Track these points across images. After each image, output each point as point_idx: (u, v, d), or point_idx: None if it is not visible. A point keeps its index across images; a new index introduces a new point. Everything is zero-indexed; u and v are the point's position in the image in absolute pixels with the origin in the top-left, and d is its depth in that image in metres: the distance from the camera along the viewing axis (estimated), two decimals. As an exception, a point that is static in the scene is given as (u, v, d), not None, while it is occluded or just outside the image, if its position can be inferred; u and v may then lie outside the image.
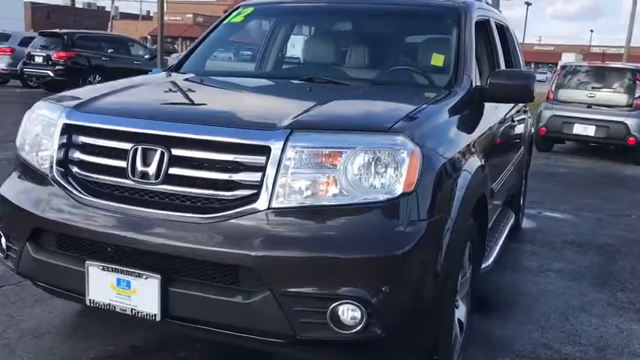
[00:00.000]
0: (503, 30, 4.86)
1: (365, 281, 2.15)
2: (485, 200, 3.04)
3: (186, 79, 3.37)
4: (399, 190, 2.22)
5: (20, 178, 2.69)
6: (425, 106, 2.66)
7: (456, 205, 2.46)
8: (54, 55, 17.16)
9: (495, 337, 3.39)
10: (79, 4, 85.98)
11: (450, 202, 2.43)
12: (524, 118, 5.12)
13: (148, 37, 41.70)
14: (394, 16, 3.70)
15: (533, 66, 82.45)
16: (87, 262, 2.35)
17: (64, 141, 2.52)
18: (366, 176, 2.23)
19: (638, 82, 10.53)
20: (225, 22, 4.02)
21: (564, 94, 11.14)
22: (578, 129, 10.75)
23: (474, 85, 3.24)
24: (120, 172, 2.37)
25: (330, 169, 2.22)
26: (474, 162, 2.83)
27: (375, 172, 2.23)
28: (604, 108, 10.65)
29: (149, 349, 3.01)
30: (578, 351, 3.29)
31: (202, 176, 2.28)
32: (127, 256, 2.33)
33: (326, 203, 2.20)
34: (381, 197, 2.21)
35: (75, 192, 2.42)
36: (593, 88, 10.90)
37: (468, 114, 3.07)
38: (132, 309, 2.30)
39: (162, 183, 2.31)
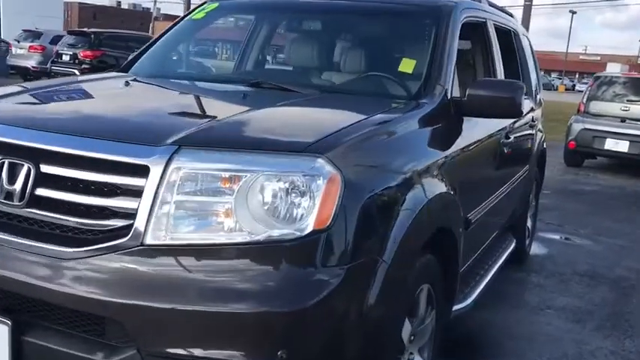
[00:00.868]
0: (508, 35, 4.34)
1: (257, 344, 1.70)
2: (452, 233, 2.55)
3: (112, 82, 2.96)
4: (309, 226, 1.76)
5: None
6: (368, 120, 2.20)
7: (394, 243, 1.98)
8: (80, 54, 17.21)
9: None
10: (124, 6, 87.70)
11: (383, 241, 1.95)
12: (532, 133, 4.58)
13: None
14: (363, 15, 3.21)
15: (577, 76, 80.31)
16: None
17: None
18: (270, 208, 1.78)
19: (677, 95, 9.77)
20: (186, 18, 3.62)
21: (596, 106, 10.41)
22: (610, 144, 10.00)
23: (448, 97, 2.75)
24: None
25: (225, 197, 1.78)
26: (433, 188, 2.35)
27: (282, 203, 1.78)
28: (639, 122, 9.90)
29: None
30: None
31: (74, 200, 1.86)
32: None
33: (215, 241, 1.76)
34: (287, 235, 1.76)
35: None
36: (628, 100, 10.14)
37: (435, 130, 2.59)
38: None
39: (28, 206, 1.90)
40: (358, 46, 3.20)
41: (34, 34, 20.52)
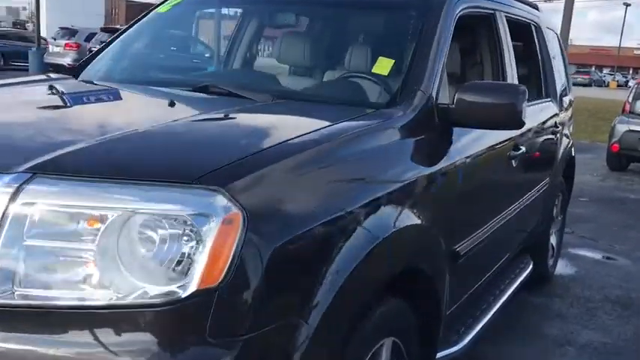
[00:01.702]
0: (527, 29, 3.80)
1: None
2: (424, 273, 2.07)
3: (36, 88, 2.56)
4: (193, 283, 1.32)
5: None
6: (306, 137, 1.73)
7: (326, 298, 1.52)
8: (112, 51, 17.11)
9: None
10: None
11: (308, 297, 1.49)
12: (554, 141, 4.01)
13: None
14: (335, 6, 2.73)
15: (631, 72, 77.25)
16: None
17: None
18: (143, 258, 1.34)
19: None
20: (152, 11, 3.22)
21: (643, 106, 9.65)
22: (658, 147, 9.24)
23: (432, 104, 2.26)
24: None
25: (85, 242, 1.35)
26: (397, 219, 1.87)
27: (160, 252, 1.34)
28: (691, 124, 9.11)
29: None
30: None
31: None
32: None
33: (68, 303, 1.33)
34: (163, 297, 1.32)
35: None
36: (678, 100, 9.37)
37: (408, 145, 2.10)
38: None
39: None
40: (328, 44, 2.74)
41: (70, 32, 20.63)
